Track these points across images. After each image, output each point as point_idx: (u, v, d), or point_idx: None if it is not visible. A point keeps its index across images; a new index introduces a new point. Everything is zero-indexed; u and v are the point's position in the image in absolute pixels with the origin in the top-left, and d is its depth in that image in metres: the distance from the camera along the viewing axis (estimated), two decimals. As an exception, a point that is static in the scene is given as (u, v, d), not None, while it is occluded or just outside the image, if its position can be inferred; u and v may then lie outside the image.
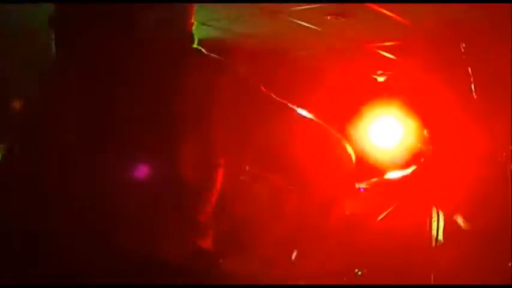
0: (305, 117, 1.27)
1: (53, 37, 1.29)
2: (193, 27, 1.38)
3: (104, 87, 1.21)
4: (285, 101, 1.26)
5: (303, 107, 1.20)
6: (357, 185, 4.06)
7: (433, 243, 3.69)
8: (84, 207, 1.17)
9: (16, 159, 1.28)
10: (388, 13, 3.74)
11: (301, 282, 2.91)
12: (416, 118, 4.44)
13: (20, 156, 1.27)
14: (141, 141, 1.16)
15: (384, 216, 3.61)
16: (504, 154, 3.29)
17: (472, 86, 3.30)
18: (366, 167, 4.38)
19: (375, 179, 4.03)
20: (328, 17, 3.88)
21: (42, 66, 1.36)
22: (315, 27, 4.16)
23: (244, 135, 1.25)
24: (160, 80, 1.21)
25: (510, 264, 3.21)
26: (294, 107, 1.26)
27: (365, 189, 4.20)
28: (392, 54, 4.88)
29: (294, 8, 3.73)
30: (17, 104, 1.34)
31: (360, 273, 2.94)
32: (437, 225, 3.34)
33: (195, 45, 1.35)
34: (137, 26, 1.28)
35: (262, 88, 1.26)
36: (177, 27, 1.34)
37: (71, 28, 1.28)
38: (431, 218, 3.75)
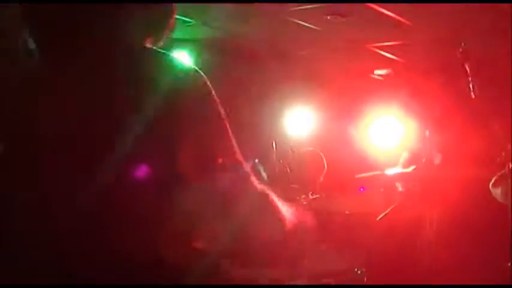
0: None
1: (30, 37, 1.29)
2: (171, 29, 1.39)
3: (96, 88, 1.21)
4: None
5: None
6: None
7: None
8: (83, 207, 1.17)
9: (12, 158, 1.28)
10: (388, 13, 3.74)
11: (301, 282, 2.91)
12: (417, 118, 4.45)
13: (15, 156, 1.27)
14: (140, 141, 1.16)
15: (384, 216, 3.62)
16: (504, 154, 3.29)
17: (472, 86, 3.30)
18: (366, 167, 4.39)
19: (375, 177, 4.03)
20: (328, 17, 3.88)
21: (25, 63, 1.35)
22: (315, 27, 4.16)
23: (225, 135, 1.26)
24: (147, 80, 1.21)
25: (510, 264, 3.21)
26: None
27: (365, 189, 4.20)
28: (392, 54, 4.88)
29: (294, 8, 3.73)
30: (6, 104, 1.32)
31: (359, 272, 2.94)
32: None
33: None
34: (118, 27, 1.28)
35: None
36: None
37: (45, 26, 1.28)
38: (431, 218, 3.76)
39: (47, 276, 1.18)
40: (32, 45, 1.29)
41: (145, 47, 1.31)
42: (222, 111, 1.24)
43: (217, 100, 1.24)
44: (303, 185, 4.01)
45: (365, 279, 2.94)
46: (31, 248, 1.21)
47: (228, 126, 1.24)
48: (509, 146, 3.18)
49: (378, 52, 4.80)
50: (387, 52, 4.81)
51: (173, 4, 1.40)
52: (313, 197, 3.94)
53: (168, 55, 1.28)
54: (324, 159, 4.09)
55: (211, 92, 1.24)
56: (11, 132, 1.28)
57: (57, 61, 1.27)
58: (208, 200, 1.19)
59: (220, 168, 1.21)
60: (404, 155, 4.22)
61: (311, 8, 3.69)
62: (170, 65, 1.26)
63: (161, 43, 1.39)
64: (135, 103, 1.17)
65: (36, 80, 1.28)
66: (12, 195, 1.24)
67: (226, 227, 1.21)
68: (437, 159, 4.00)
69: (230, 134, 1.24)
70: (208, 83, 1.24)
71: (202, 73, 1.25)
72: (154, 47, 1.33)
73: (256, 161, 3.99)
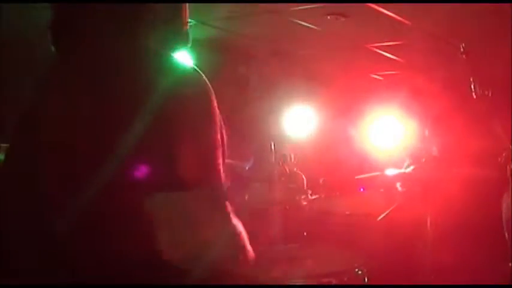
0: None
1: (51, 39, 1.31)
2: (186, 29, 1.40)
3: (101, 89, 1.22)
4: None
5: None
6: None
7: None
8: (83, 207, 1.17)
9: (15, 159, 1.28)
10: (388, 13, 3.74)
11: (301, 282, 2.90)
12: (417, 118, 4.45)
13: (19, 156, 1.28)
14: (140, 142, 1.16)
15: (384, 216, 3.61)
16: (504, 154, 3.29)
17: (472, 86, 3.30)
18: (367, 167, 4.38)
19: (375, 178, 4.03)
20: (328, 17, 3.88)
21: (41, 67, 1.37)
22: (315, 27, 4.16)
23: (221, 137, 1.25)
24: (152, 82, 1.21)
25: (510, 264, 3.21)
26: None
27: (365, 189, 4.20)
28: (392, 54, 4.88)
29: (294, 8, 3.73)
30: (16, 105, 1.35)
31: (360, 273, 2.94)
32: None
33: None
34: (132, 31, 1.29)
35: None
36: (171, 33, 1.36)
37: (68, 30, 1.29)
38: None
39: (48, 276, 1.18)
40: (51, 47, 1.31)
41: (151, 50, 1.31)
42: (219, 120, 1.24)
43: (215, 107, 1.23)
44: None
45: (365, 279, 2.94)
46: (32, 247, 1.21)
47: (218, 138, 1.23)
48: (510, 146, 3.18)
49: (378, 52, 4.80)
50: (387, 52, 4.81)
51: (185, 4, 1.41)
52: (313, 197, 3.94)
53: (172, 57, 1.28)
54: (305, 181, 4.09)
55: (210, 99, 1.23)
56: (18, 131, 1.30)
57: (70, 63, 1.28)
58: (197, 206, 1.19)
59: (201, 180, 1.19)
60: (403, 158, 4.22)
61: (311, 8, 3.69)
62: (174, 67, 1.26)
63: (172, 45, 1.39)
64: (139, 105, 1.17)
65: (50, 81, 1.30)
66: (15, 193, 1.24)
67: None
68: (434, 151, 4.00)
69: (218, 148, 1.23)
70: (210, 87, 1.24)
71: (204, 77, 1.25)
72: (160, 50, 1.33)
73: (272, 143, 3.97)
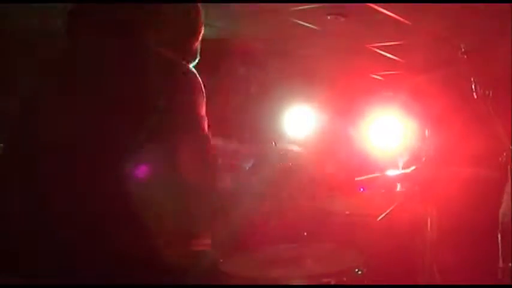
0: None
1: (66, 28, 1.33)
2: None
3: (99, 88, 1.22)
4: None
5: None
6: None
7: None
8: (81, 206, 1.17)
9: (14, 158, 1.28)
10: (388, 13, 3.74)
11: (301, 282, 2.90)
12: (417, 118, 4.45)
13: (17, 155, 1.28)
14: (140, 141, 1.17)
15: (384, 216, 3.61)
16: (504, 154, 3.29)
17: (472, 86, 3.30)
18: (367, 167, 4.39)
19: (375, 179, 4.03)
20: (328, 17, 3.88)
21: (41, 66, 1.38)
22: (315, 27, 4.16)
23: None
24: (154, 85, 1.22)
25: (510, 264, 3.21)
26: None
27: (365, 189, 4.20)
28: (392, 54, 4.88)
29: (294, 8, 3.73)
30: (14, 104, 1.36)
31: (360, 273, 2.94)
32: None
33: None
34: (138, 36, 1.30)
35: None
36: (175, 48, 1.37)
37: (78, 27, 1.30)
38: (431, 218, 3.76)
39: (48, 276, 1.18)
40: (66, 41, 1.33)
41: (150, 49, 1.32)
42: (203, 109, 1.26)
43: (202, 90, 1.26)
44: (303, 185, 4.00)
45: (365, 279, 2.94)
46: (32, 247, 1.21)
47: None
48: (510, 146, 3.18)
49: (378, 52, 4.80)
50: (387, 52, 4.81)
51: (196, 8, 1.42)
52: (313, 197, 3.93)
53: (170, 56, 1.29)
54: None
55: (200, 90, 1.25)
56: (17, 129, 1.30)
57: (70, 62, 1.29)
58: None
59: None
60: (404, 158, 4.22)
61: (311, 8, 3.69)
62: (171, 66, 1.27)
63: (179, 43, 1.40)
64: (136, 104, 1.18)
65: (49, 80, 1.31)
66: (14, 192, 1.25)
67: None
68: (434, 151, 4.00)
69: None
70: (201, 84, 1.26)
71: (196, 72, 1.26)
72: (159, 50, 1.33)
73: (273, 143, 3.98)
